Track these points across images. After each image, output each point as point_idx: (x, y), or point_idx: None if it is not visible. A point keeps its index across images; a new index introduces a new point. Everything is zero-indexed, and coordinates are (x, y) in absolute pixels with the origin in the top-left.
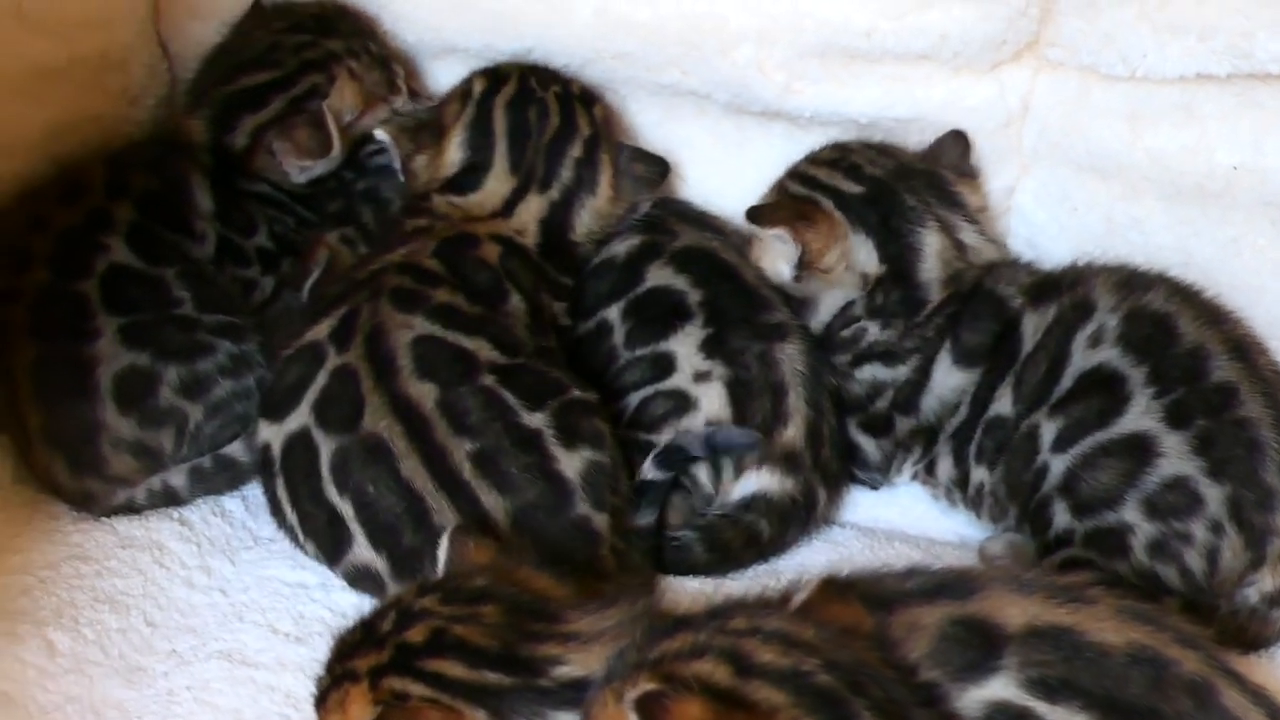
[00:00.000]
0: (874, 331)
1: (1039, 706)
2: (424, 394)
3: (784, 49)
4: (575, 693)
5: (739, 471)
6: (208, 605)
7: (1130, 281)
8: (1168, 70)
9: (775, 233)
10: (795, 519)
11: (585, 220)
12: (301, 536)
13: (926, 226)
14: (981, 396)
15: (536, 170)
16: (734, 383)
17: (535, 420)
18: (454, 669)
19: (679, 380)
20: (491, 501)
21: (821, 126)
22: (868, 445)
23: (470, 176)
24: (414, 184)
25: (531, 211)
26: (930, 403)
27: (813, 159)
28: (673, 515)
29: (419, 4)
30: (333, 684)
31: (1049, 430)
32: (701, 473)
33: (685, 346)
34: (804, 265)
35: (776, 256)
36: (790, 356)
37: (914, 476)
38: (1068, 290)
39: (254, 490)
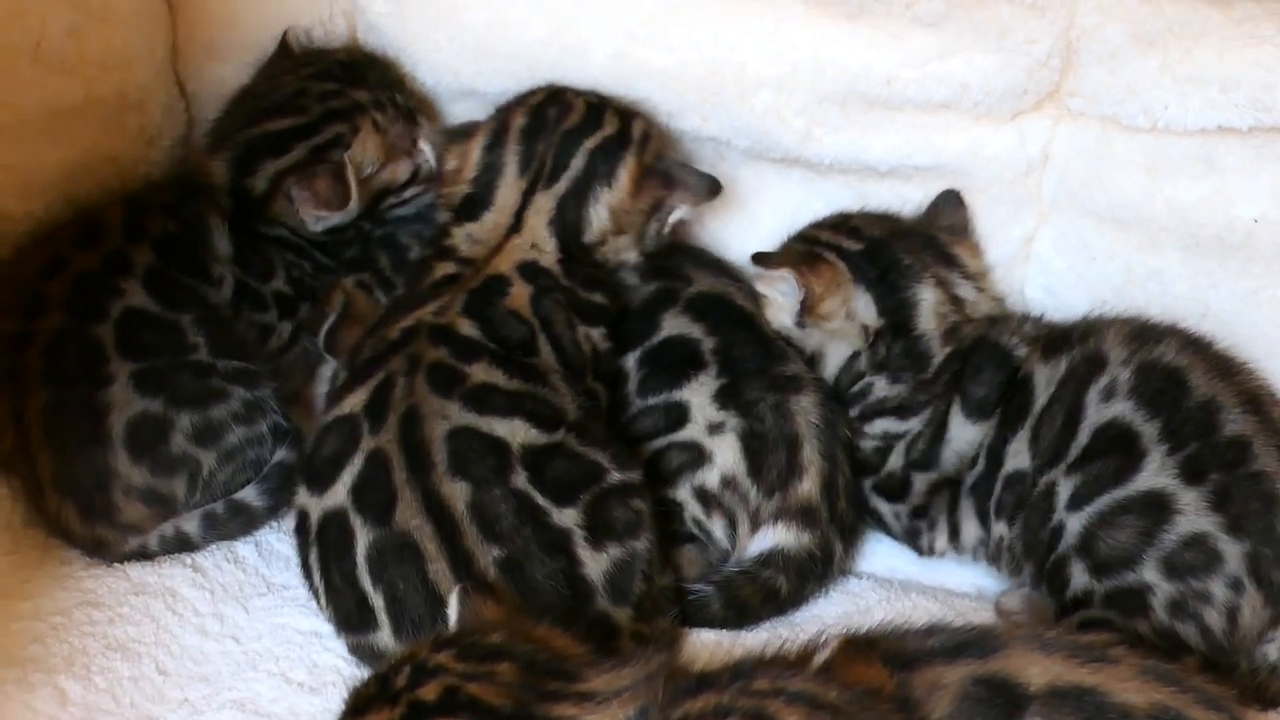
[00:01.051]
0: (882, 386)
1: None
2: (456, 494)
3: (804, 96)
4: None
5: (755, 526)
6: (220, 653)
7: (1142, 334)
8: (1189, 122)
9: (780, 274)
10: (812, 574)
11: (600, 217)
12: (324, 602)
13: (922, 282)
14: (996, 449)
15: (545, 164)
16: (748, 435)
17: (565, 519)
18: None
19: (693, 432)
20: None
21: (841, 174)
22: (886, 511)
23: (482, 191)
24: (447, 202)
25: (540, 215)
26: (949, 456)
27: (815, 224)
28: (689, 568)
29: (438, 49)
30: None
31: (1065, 488)
32: (717, 528)
33: (699, 396)
34: (806, 311)
35: (778, 306)
36: (805, 409)
37: (946, 554)
38: (1079, 343)
39: (267, 535)
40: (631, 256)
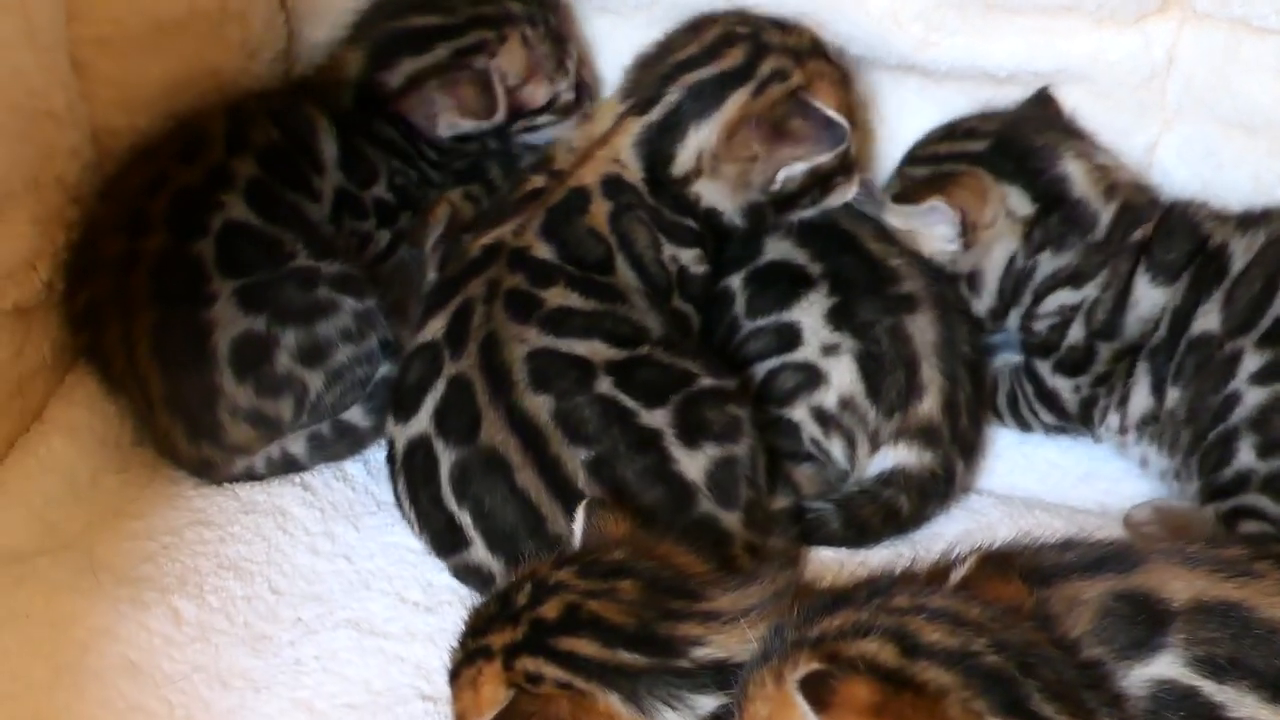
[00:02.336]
0: (1047, 262)
1: (1206, 686)
2: (539, 406)
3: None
4: (716, 675)
5: (875, 446)
6: (333, 573)
7: None
8: None
9: (928, 205)
10: (934, 493)
11: (687, 156)
12: (417, 529)
13: (1063, 156)
14: (1184, 312)
15: (643, 93)
16: (864, 356)
17: (655, 419)
18: (588, 647)
19: (807, 353)
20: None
21: (957, 80)
22: (1065, 388)
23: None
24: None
25: (626, 137)
26: (1133, 322)
27: (922, 143)
28: (807, 486)
29: None
30: (466, 659)
31: (1253, 360)
32: (835, 448)
33: (810, 317)
34: (968, 230)
35: (935, 236)
36: (921, 329)
37: (1115, 429)
38: (1276, 220)
39: (376, 454)
40: (727, 205)
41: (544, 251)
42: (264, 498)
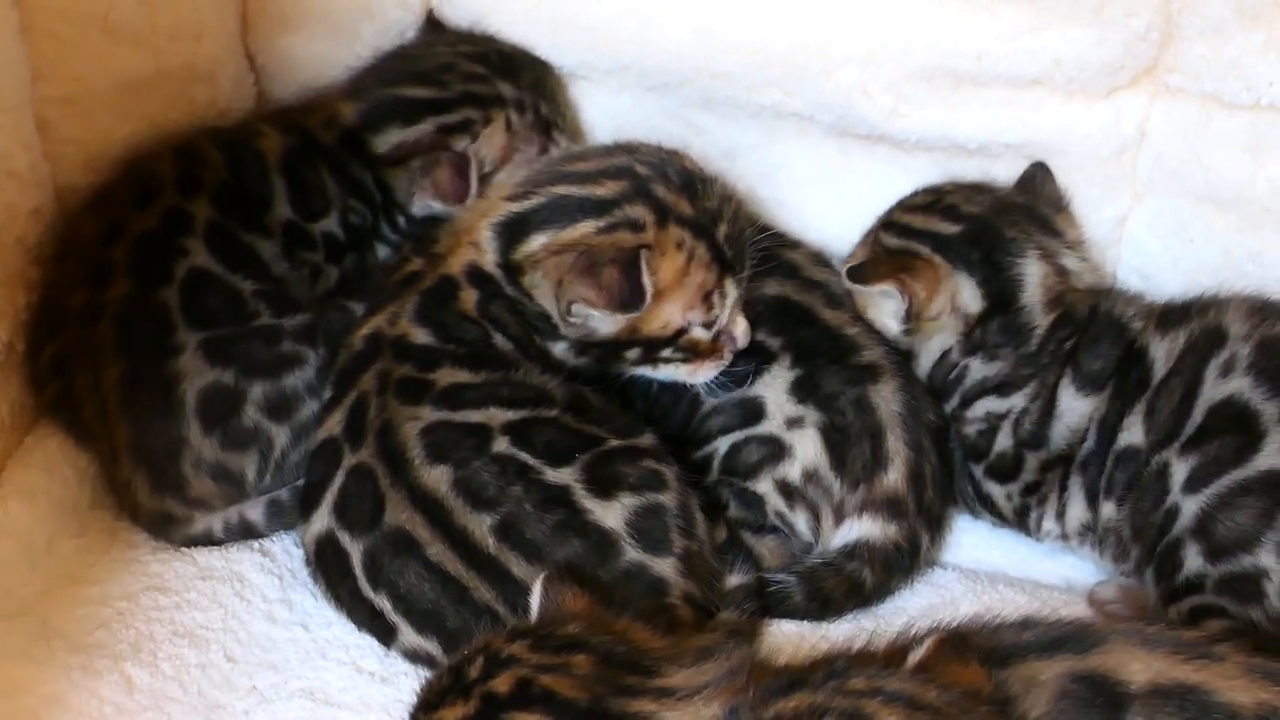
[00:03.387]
0: (977, 367)
1: None
2: (438, 479)
3: (891, 71)
4: None
5: (839, 518)
6: (289, 641)
7: (1264, 309)
8: None
9: (880, 289)
10: (898, 566)
11: (521, 253)
12: (356, 625)
13: (1027, 255)
14: (1110, 424)
15: (527, 186)
16: (829, 428)
17: (562, 476)
18: None
19: (771, 426)
20: (522, 570)
21: (927, 151)
22: (998, 494)
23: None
24: None
25: (489, 220)
26: (1060, 431)
27: (905, 205)
28: (770, 558)
29: (515, 20)
30: None
31: (1180, 470)
32: (800, 520)
33: (774, 391)
34: (912, 317)
35: (882, 312)
36: (886, 399)
37: (1055, 535)
38: (1198, 316)
39: None
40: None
41: (423, 337)
42: (222, 563)
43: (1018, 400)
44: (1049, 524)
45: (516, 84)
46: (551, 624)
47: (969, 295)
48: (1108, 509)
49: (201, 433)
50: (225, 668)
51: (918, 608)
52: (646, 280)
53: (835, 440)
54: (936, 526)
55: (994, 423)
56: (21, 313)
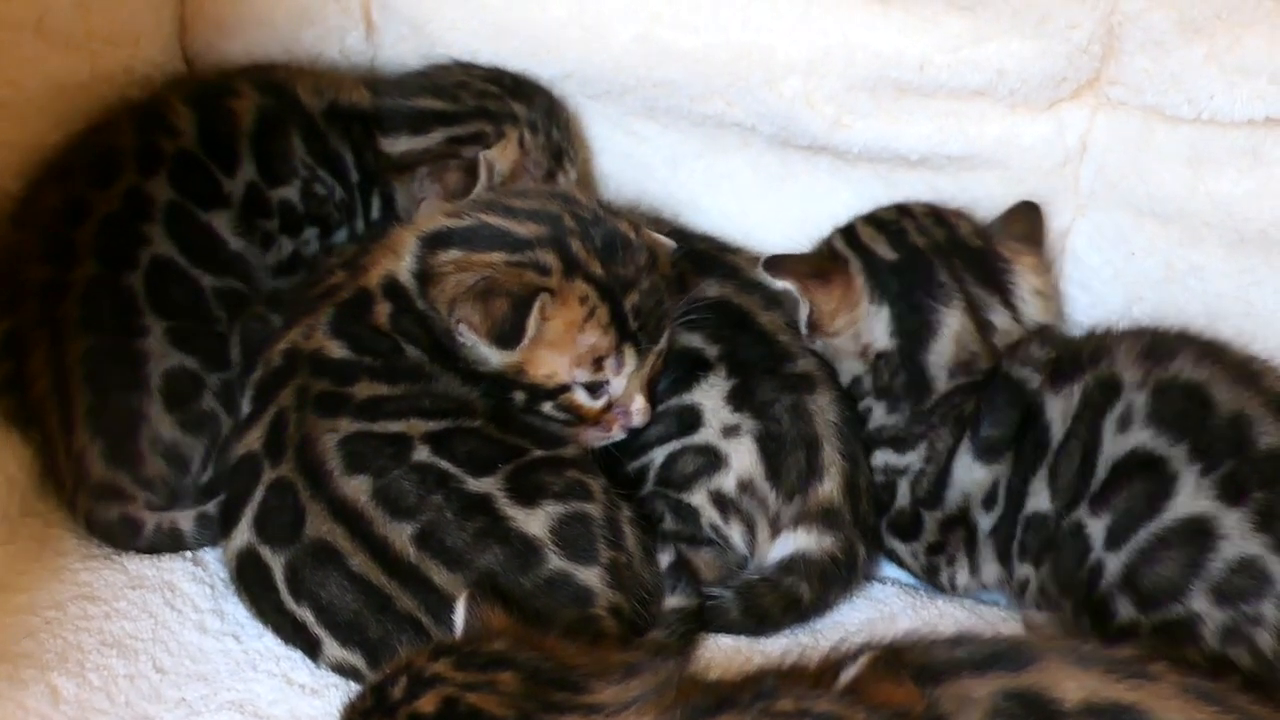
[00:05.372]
0: (879, 414)
1: None
2: (358, 489)
3: (834, 81)
4: None
5: (775, 531)
6: (220, 652)
7: (1154, 350)
8: (1235, 113)
9: (783, 284)
10: (836, 579)
11: (430, 264)
12: (282, 639)
13: (950, 305)
14: (1015, 490)
15: (462, 208)
16: (764, 437)
17: (484, 485)
18: None
19: (707, 435)
20: (443, 578)
21: (870, 163)
22: (902, 550)
23: None
24: None
25: (417, 232)
26: (954, 495)
27: (870, 215)
28: (706, 572)
29: (454, 27)
30: None
31: (1097, 527)
32: (735, 534)
33: (711, 399)
34: (811, 326)
35: (799, 312)
36: (822, 408)
37: (971, 590)
38: (1090, 366)
39: None
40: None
41: (338, 351)
42: (153, 572)
43: (913, 459)
44: (963, 580)
45: (530, 106)
46: (476, 641)
47: (879, 328)
48: (1023, 570)
49: (163, 410)
50: (154, 678)
51: (855, 623)
52: (532, 321)
53: (771, 449)
54: (873, 539)
55: (892, 477)
56: None
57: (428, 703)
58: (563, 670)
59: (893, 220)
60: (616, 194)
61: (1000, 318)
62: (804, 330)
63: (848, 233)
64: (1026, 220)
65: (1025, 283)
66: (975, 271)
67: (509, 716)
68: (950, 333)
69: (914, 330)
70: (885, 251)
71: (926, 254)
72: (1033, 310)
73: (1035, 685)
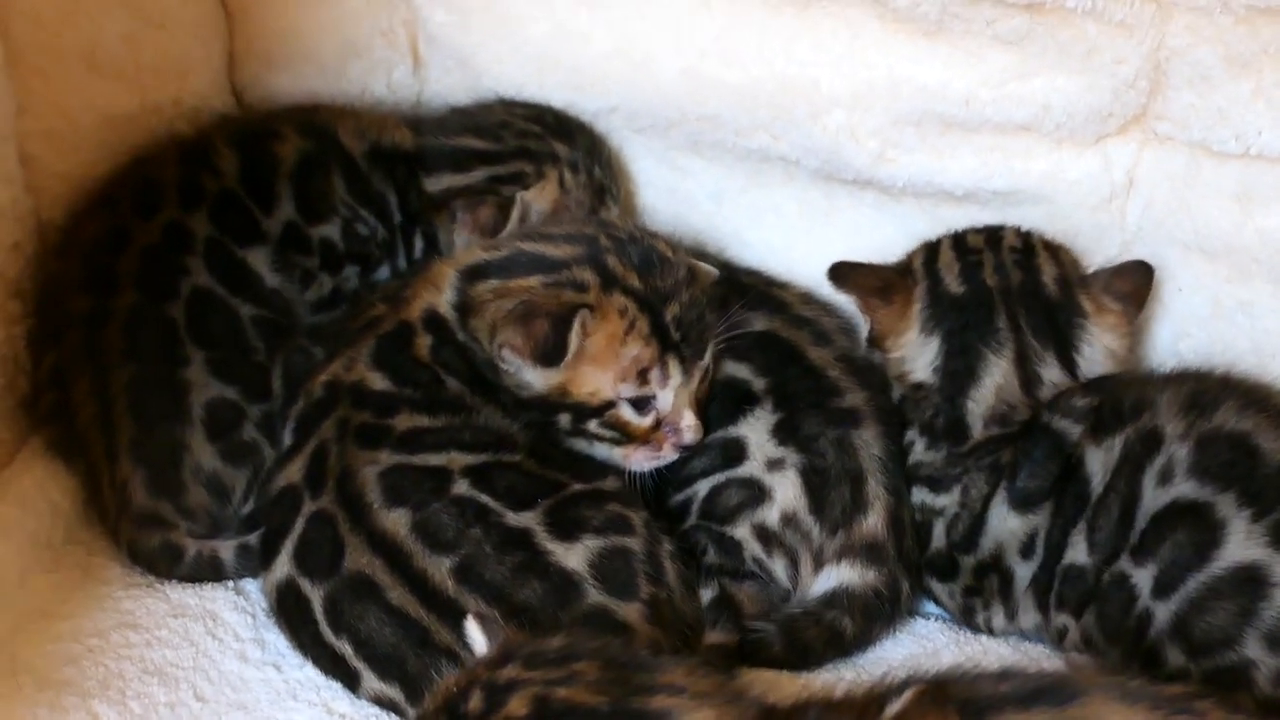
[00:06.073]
0: (919, 449)
1: None
2: (397, 522)
3: (878, 115)
4: None
5: (819, 565)
6: (260, 681)
7: (1195, 401)
8: None
9: (844, 295)
10: (879, 615)
11: (471, 295)
12: (322, 671)
13: (999, 354)
14: (1055, 541)
15: (501, 240)
16: (809, 470)
17: (524, 519)
18: None
19: (751, 468)
20: (485, 612)
21: (915, 197)
22: (940, 591)
23: None
24: None
25: (458, 266)
26: (988, 543)
27: (958, 237)
28: (749, 605)
29: (500, 60)
30: None
31: (1143, 576)
32: (778, 567)
33: (756, 433)
34: (871, 341)
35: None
36: (867, 442)
37: (1009, 634)
38: (1131, 418)
39: None
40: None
41: (379, 383)
42: (195, 601)
43: (947, 501)
44: (999, 624)
45: (572, 145)
46: (530, 643)
47: (923, 360)
48: (1061, 619)
49: (205, 440)
50: (194, 706)
51: (899, 658)
52: (573, 337)
53: (815, 483)
54: (917, 574)
55: (928, 516)
56: (1, 346)
57: (518, 706)
58: (633, 654)
59: (976, 249)
60: (661, 228)
61: (1051, 372)
62: (865, 345)
63: (931, 250)
64: (1134, 279)
65: (1096, 340)
66: (1039, 322)
67: (603, 704)
68: (993, 382)
69: (958, 372)
70: (953, 283)
71: (993, 295)
72: (1096, 369)
73: None
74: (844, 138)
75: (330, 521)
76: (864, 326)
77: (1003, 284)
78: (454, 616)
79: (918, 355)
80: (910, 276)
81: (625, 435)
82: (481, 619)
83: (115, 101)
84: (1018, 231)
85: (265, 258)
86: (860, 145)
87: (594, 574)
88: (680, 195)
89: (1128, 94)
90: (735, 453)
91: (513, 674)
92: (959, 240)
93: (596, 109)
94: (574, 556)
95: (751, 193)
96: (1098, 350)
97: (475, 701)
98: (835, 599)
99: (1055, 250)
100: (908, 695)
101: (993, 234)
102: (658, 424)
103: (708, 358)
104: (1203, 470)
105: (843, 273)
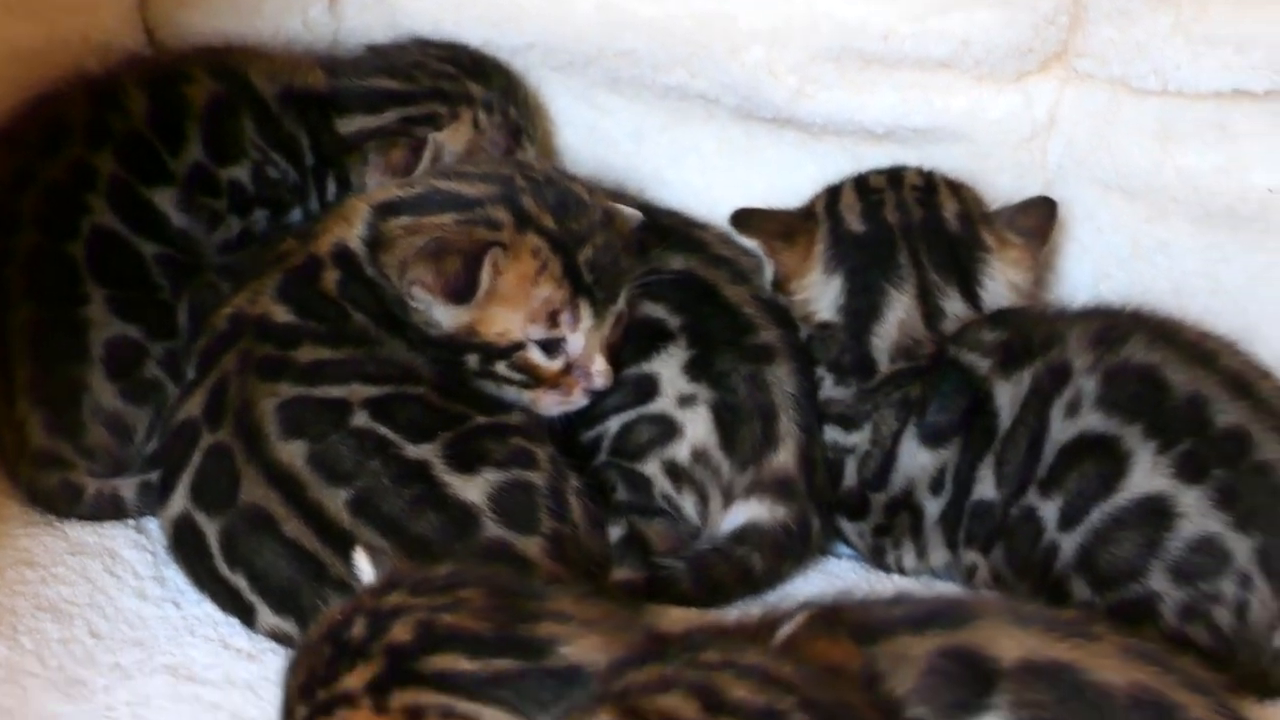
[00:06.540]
0: (828, 385)
1: None
2: (294, 454)
3: (796, 51)
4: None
5: (728, 501)
6: (159, 618)
7: (1105, 335)
8: (1202, 85)
9: (747, 240)
10: (789, 551)
11: (382, 230)
12: (220, 606)
13: (900, 289)
14: (964, 476)
15: (418, 176)
16: (720, 406)
17: (423, 451)
18: (459, 663)
19: (663, 405)
20: (378, 545)
21: (835, 135)
22: (850, 531)
23: None
24: None
25: (371, 202)
26: (899, 479)
27: (860, 178)
28: (658, 543)
29: None
30: (319, 713)
31: (1049, 509)
32: (687, 503)
33: (669, 369)
34: (776, 285)
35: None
36: (780, 379)
37: (920, 573)
38: (1041, 352)
39: None
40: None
41: (283, 316)
42: (94, 539)
43: (859, 439)
44: (910, 563)
45: (486, 85)
46: (418, 570)
47: (826, 299)
48: (970, 556)
49: (105, 380)
50: (89, 643)
51: (809, 596)
52: (484, 274)
53: (726, 419)
54: (828, 512)
55: (840, 455)
56: None
57: (401, 632)
58: (522, 581)
59: (878, 189)
60: (580, 168)
61: (954, 306)
62: (770, 289)
63: (833, 193)
64: (1038, 214)
65: (1000, 275)
66: (941, 257)
67: (487, 630)
68: (896, 317)
69: (861, 309)
70: (855, 222)
71: (894, 232)
72: (1000, 303)
73: (972, 643)
74: (762, 74)
75: (227, 454)
76: (768, 270)
77: (904, 221)
78: (350, 549)
79: (822, 295)
80: (812, 219)
81: (534, 378)
82: (370, 550)
83: (22, 36)
84: (920, 171)
85: (172, 198)
86: (779, 82)
87: (493, 507)
88: (600, 134)
89: (1047, 30)
90: (647, 389)
91: (397, 601)
92: (861, 181)
93: (513, 46)
94: (473, 489)
95: (671, 131)
96: (1001, 284)
97: (359, 628)
98: (745, 535)
99: (958, 188)
100: (799, 619)
101: (895, 174)
102: (568, 368)
103: (621, 302)
104: (1110, 403)
105: (745, 218)
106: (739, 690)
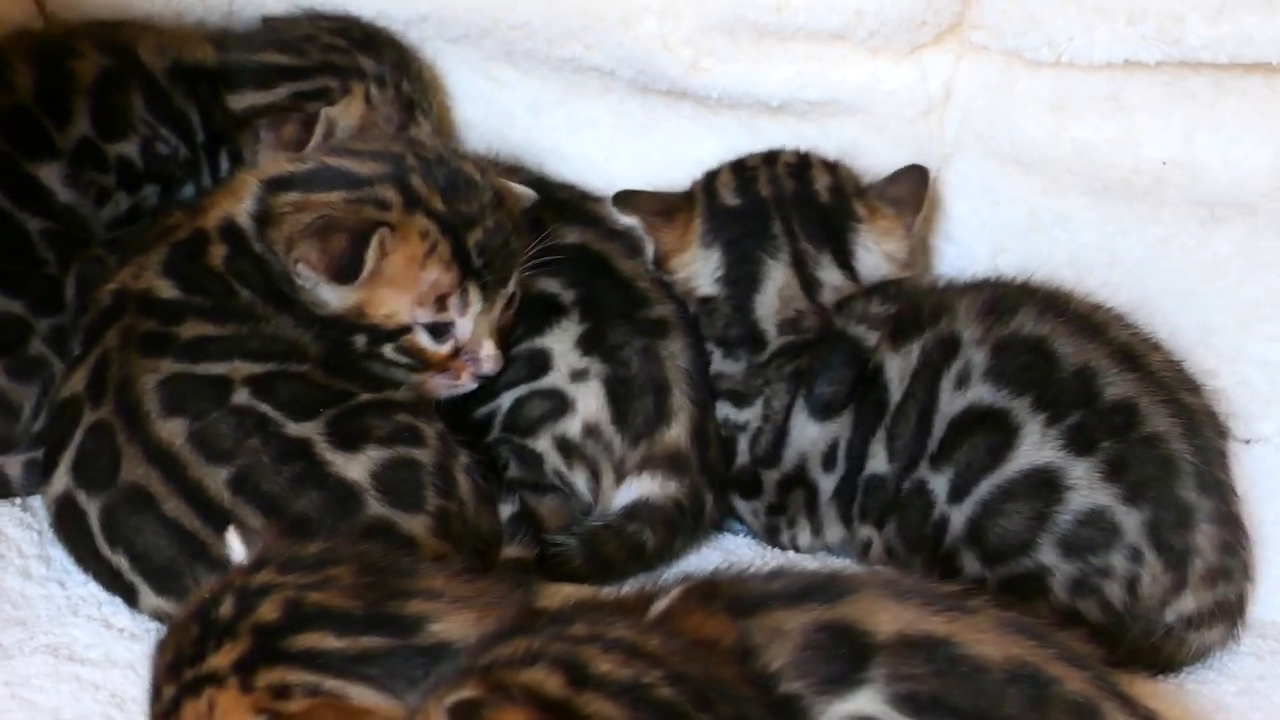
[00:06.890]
0: (717, 360)
1: None
2: (174, 432)
3: (690, 23)
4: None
5: (620, 476)
6: (42, 597)
7: (994, 306)
8: (1095, 56)
9: (626, 219)
10: (681, 526)
11: (272, 206)
12: (103, 587)
13: (776, 258)
14: (856, 451)
15: (307, 153)
16: (612, 380)
17: (304, 429)
18: (325, 640)
19: (555, 379)
20: (259, 525)
21: (731, 109)
22: (744, 510)
23: None
24: None
25: (260, 177)
26: (791, 455)
27: (737, 161)
28: (550, 518)
29: None
30: (187, 691)
31: (939, 482)
32: (579, 479)
33: (561, 343)
34: (657, 263)
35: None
36: (673, 354)
37: (815, 550)
38: (930, 324)
39: None
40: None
41: (167, 291)
42: None
43: (751, 415)
44: (805, 541)
45: (378, 59)
46: (289, 549)
47: (706, 273)
48: (865, 531)
49: None
50: None
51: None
52: (370, 255)
53: (618, 393)
54: (722, 487)
55: (732, 432)
56: None
57: (269, 610)
58: (394, 559)
59: (752, 167)
60: (479, 142)
61: (830, 275)
62: (652, 268)
63: (710, 175)
64: (908, 183)
65: (873, 244)
66: (813, 228)
67: (357, 608)
68: (774, 286)
69: (740, 279)
70: (729, 198)
71: (767, 204)
72: (876, 270)
73: (848, 617)
74: (657, 46)
75: (109, 432)
76: (649, 249)
77: (776, 193)
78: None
79: (701, 269)
80: (691, 199)
81: (421, 362)
82: (243, 529)
83: None
84: (797, 151)
85: (57, 173)
86: (673, 54)
87: (376, 485)
88: (498, 108)
89: (941, 1)
90: (540, 364)
91: (266, 579)
92: (737, 163)
93: (408, 18)
94: (355, 467)
95: (569, 105)
96: (876, 254)
97: (226, 607)
98: (636, 511)
99: (833, 166)
100: (675, 593)
101: (770, 154)
102: (456, 352)
103: (512, 285)
104: (999, 375)
105: (625, 198)
106: (605, 664)
